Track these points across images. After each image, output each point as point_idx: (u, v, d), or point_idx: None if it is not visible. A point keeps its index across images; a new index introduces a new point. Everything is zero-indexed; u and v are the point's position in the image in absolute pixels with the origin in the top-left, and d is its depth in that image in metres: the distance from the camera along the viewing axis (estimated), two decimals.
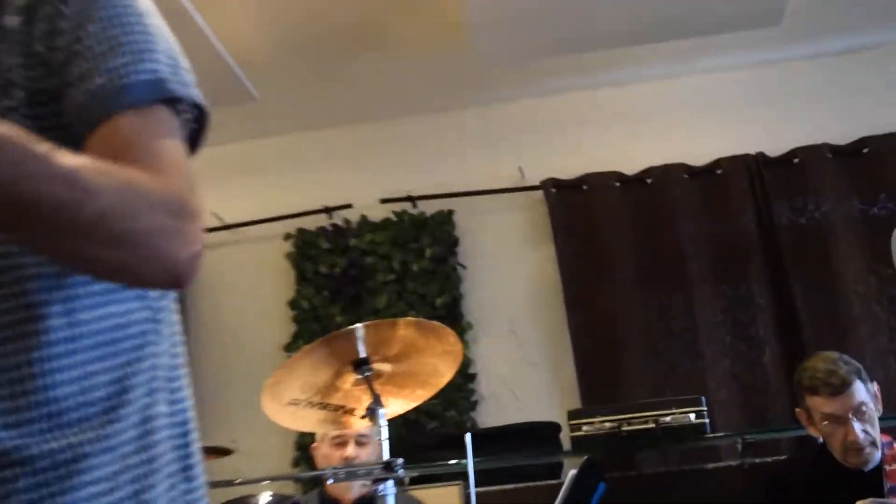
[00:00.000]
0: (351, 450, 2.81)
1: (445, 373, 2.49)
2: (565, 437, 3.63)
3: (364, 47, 3.89)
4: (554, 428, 3.84)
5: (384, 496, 2.25)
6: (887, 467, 2.60)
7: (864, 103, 4.25)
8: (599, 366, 4.08)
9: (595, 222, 4.23)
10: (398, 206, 4.41)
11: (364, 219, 4.41)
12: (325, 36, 3.77)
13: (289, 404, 2.44)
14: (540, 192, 4.33)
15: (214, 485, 3.59)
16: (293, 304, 4.35)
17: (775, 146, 4.22)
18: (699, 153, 4.27)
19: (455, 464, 3.28)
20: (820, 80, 4.32)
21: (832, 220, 4.08)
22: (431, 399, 2.59)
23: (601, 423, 3.33)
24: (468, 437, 2.63)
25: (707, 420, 3.29)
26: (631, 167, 4.30)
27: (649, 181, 4.27)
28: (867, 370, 2.70)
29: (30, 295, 0.90)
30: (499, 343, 4.28)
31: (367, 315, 4.10)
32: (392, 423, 2.40)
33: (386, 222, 4.39)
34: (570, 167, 4.34)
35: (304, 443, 3.90)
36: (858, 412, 2.57)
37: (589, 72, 4.28)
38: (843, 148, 4.18)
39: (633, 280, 4.13)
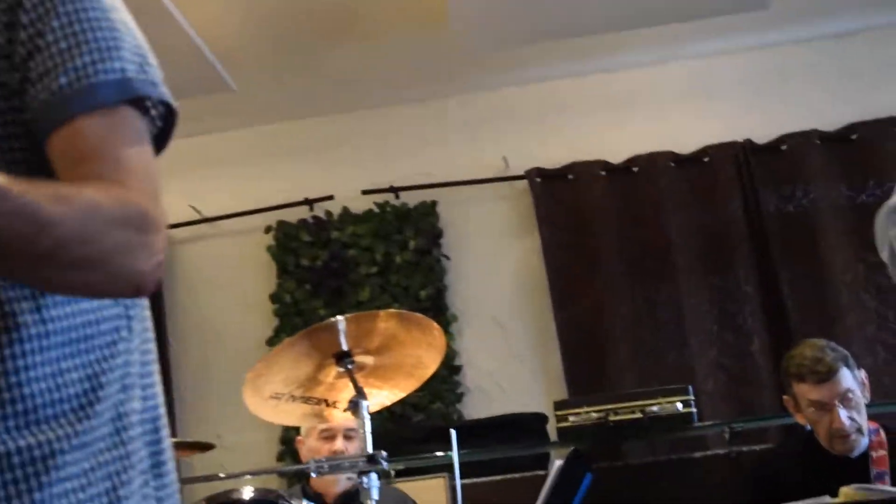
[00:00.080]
0: (339, 444, 2.80)
1: (430, 364, 2.49)
2: (552, 428, 3.62)
3: (344, 36, 3.85)
4: (540, 419, 3.83)
5: (368, 489, 2.24)
6: (874, 454, 2.62)
7: (853, 89, 4.24)
8: (586, 356, 4.07)
9: (581, 212, 4.21)
10: (380, 198, 4.37)
11: (346, 210, 4.37)
12: (304, 24, 3.73)
13: (270, 398, 2.43)
14: (524, 182, 4.30)
15: (197, 480, 3.56)
16: (275, 298, 4.31)
17: (763, 133, 4.20)
18: (686, 140, 4.24)
19: (441, 456, 3.26)
20: (809, 65, 4.30)
21: (820, 208, 4.07)
22: (417, 392, 2.58)
23: (588, 414, 3.32)
24: (453, 431, 2.63)
25: (694, 409, 3.30)
26: (617, 155, 4.28)
27: (635, 170, 4.24)
28: (855, 358, 2.71)
29: None
30: (484, 334, 4.25)
31: (351, 308, 4.07)
32: (378, 416, 2.38)
33: (368, 214, 4.35)
34: (554, 156, 4.31)
35: (289, 437, 3.87)
36: (844, 399, 2.59)
37: (573, 59, 4.25)
38: (831, 134, 4.17)
39: (619, 270, 4.11)
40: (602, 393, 3.63)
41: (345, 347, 2.37)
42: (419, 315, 2.46)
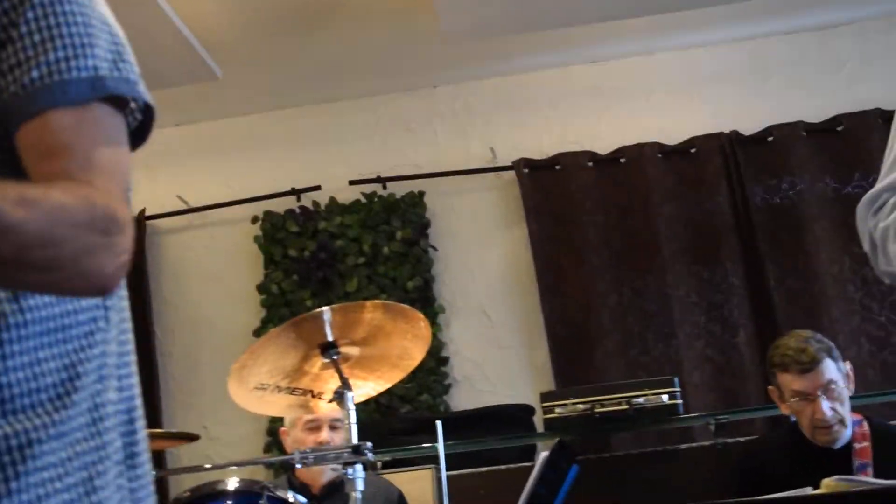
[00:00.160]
0: (325, 434, 2.80)
1: (415, 355, 2.49)
2: (539, 420, 3.62)
3: (331, 25, 3.83)
4: (527, 410, 3.83)
5: (353, 480, 2.23)
6: (857, 445, 2.63)
7: (839, 80, 4.25)
8: (573, 348, 4.07)
9: (568, 202, 4.21)
10: (368, 188, 4.35)
11: (333, 201, 4.35)
12: (291, 13, 3.70)
13: (255, 389, 2.43)
14: (512, 173, 4.29)
15: (183, 470, 3.56)
16: (262, 289, 4.30)
17: (749, 124, 4.20)
18: (673, 131, 4.24)
19: (427, 447, 3.26)
20: (795, 57, 4.30)
21: (807, 200, 4.07)
22: (404, 383, 2.58)
23: (574, 405, 3.32)
24: (439, 423, 2.62)
25: (680, 401, 3.30)
26: (604, 146, 4.27)
27: (622, 160, 4.24)
28: (840, 349, 2.71)
29: None
30: (471, 325, 4.25)
31: (338, 299, 4.07)
32: (365, 407, 2.38)
33: (356, 204, 4.34)
34: (542, 147, 4.31)
35: (276, 429, 3.84)
36: (827, 390, 2.60)
37: (561, 49, 4.24)
38: (817, 126, 4.17)
39: (606, 261, 4.11)
40: (588, 385, 3.63)
41: (330, 338, 2.37)
42: (405, 306, 2.46)
